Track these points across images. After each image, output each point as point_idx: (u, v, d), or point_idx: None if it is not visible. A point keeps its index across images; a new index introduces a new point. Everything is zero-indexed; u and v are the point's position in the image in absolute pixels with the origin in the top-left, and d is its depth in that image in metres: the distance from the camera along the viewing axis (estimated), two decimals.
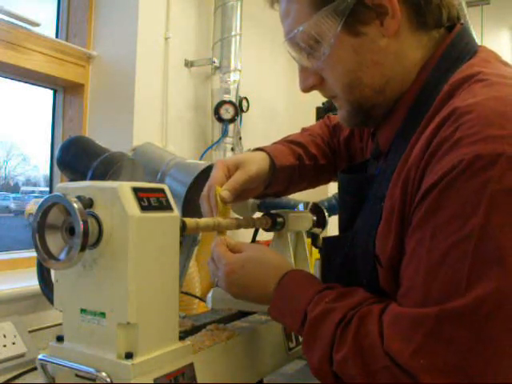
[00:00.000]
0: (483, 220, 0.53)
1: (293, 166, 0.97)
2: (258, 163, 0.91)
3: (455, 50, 0.70)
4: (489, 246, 0.53)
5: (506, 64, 0.70)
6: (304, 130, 1.08)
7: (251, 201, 1.23)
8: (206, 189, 0.87)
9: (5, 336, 1.13)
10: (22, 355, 1.14)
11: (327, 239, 0.83)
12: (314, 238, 1.12)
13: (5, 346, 1.12)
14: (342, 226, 0.83)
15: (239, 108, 1.98)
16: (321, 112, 2.17)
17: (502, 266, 0.52)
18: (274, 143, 1.01)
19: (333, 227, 1.19)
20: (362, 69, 0.70)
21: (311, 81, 0.76)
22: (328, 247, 0.82)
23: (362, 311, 0.64)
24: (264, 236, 1.13)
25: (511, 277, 0.52)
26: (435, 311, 0.55)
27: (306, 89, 0.78)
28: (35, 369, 1.05)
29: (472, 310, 0.53)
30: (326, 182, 1.09)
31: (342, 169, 0.90)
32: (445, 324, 0.54)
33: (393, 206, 0.64)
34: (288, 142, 1.01)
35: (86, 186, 0.64)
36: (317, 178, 1.05)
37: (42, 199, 0.62)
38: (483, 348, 0.53)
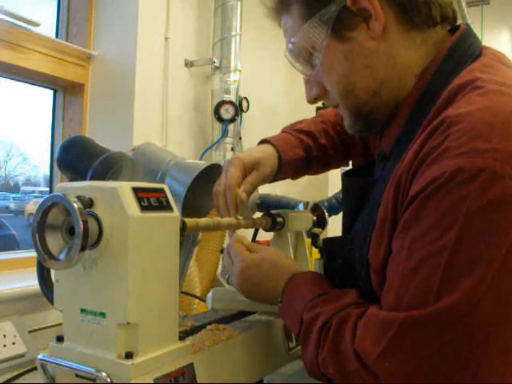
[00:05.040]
0: (458, 234, 0.54)
1: (300, 159, 0.98)
2: (271, 163, 0.93)
3: (457, 52, 0.69)
4: (461, 259, 0.54)
5: (510, 67, 0.68)
6: (319, 115, 1.08)
7: (251, 201, 1.23)
8: (222, 187, 0.89)
9: (5, 336, 1.13)
10: (22, 355, 1.14)
11: (328, 240, 0.84)
12: (314, 238, 1.11)
13: (5, 345, 1.12)
14: (344, 228, 0.84)
15: (239, 108, 1.98)
16: None
17: (470, 279, 0.53)
18: (284, 131, 1.02)
19: (333, 227, 1.19)
20: (353, 73, 0.71)
21: (315, 91, 0.78)
22: (329, 248, 0.82)
23: (343, 315, 0.65)
24: (264, 236, 1.13)
25: (478, 290, 0.53)
26: (401, 317, 0.56)
27: (311, 100, 0.79)
28: (35, 369, 1.05)
29: (436, 319, 0.54)
30: (336, 168, 1.11)
31: (347, 171, 0.91)
32: (409, 330, 0.56)
33: (386, 213, 0.65)
34: (298, 131, 1.01)
35: (85, 186, 0.64)
36: (324, 167, 1.06)
37: (41, 199, 0.62)
38: (445, 356, 0.54)
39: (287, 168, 0.97)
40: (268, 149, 0.95)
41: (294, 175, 1.03)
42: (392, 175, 0.66)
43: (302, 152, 0.98)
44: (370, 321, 0.61)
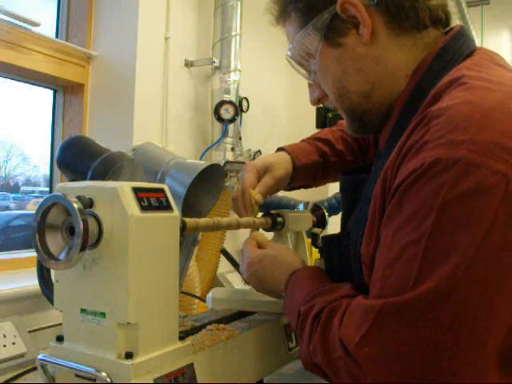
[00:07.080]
0: (434, 222, 0.55)
1: (316, 164, 1.02)
2: (285, 166, 0.98)
3: (448, 52, 0.71)
4: (438, 247, 0.55)
5: (503, 66, 0.69)
6: (339, 124, 1.11)
7: None
8: (239, 191, 0.94)
9: (5, 336, 1.13)
10: (21, 355, 1.14)
11: (326, 237, 0.86)
12: (314, 238, 1.12)
13: (5, 346, 1.12)
14: (342, 225, 0.86)
15: (239, 108, 1.98)
16: (321, 112, 2.17)
17: (446, 266, 0.54)
18: (302, 141, 1.06)
19: (333, 227, 1.19)
20: (346, 77, 0.74)
21: (316, 94, 0.82)
22: (327, 244, 0.84)
23: (334, 305, 0.67)
24: (264, 236, 1.13)
25: (454, 276, 0.54)
26: (380, 303, 0.58)
27: (314, 102, 0.84)
28: (35, 369, 1.05)
29: (413, 306, 0.55)
30: None
31: (346, 170, 0.93)
32: (387, 316, 0.57)
33: (375, 207, 0.66)
34: (315, 139, 1.05)
35: (86, 186, 0.65)
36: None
37: (41, 199, 0.62)
38: (423, 341, 0.55)
39: (303, 173, 1.00)
40: (282, 155, 1.00)
41: (313, 181, 1.06)
42: (382, 171, 0.67)
43: (317, 157, 1.02)
44: (354, 309, 0.62)
